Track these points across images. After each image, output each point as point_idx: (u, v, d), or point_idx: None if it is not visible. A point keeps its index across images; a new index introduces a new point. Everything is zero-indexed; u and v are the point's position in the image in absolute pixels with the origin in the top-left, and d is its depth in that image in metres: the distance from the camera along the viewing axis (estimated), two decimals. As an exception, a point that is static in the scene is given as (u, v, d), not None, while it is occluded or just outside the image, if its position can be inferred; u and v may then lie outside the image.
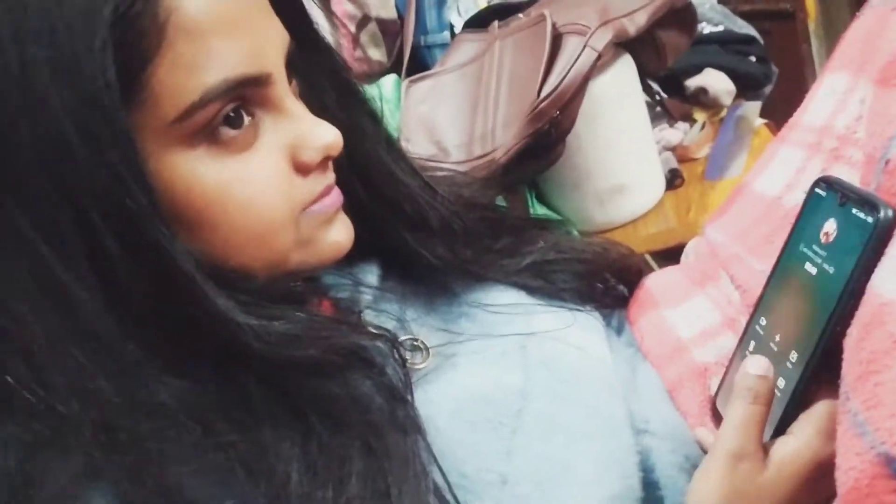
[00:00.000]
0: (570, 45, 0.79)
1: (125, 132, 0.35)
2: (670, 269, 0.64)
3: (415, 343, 0.47)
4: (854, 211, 0.39)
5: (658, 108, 1.12)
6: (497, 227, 0.56)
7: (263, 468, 0.35)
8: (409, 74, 1.11)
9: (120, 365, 0.35)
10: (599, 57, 0.78)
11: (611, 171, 0.93)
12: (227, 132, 0.39)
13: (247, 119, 0.40)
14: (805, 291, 0.41)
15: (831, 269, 0.39)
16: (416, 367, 0.46)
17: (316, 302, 0.45)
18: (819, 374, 0.39)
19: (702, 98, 1.17)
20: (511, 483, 0.40)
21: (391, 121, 1.05)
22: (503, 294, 0.53)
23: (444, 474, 0.38)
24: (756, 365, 0.41)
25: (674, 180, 1.03)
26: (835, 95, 0.52)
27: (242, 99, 0.39)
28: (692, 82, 1.17)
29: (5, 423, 0.35)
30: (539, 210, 0.96)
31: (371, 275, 0.51)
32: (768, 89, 1.24)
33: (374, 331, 0.43)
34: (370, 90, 1.11)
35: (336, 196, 0.45)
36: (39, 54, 0.34)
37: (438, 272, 0.51)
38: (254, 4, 0.40)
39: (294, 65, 0.44)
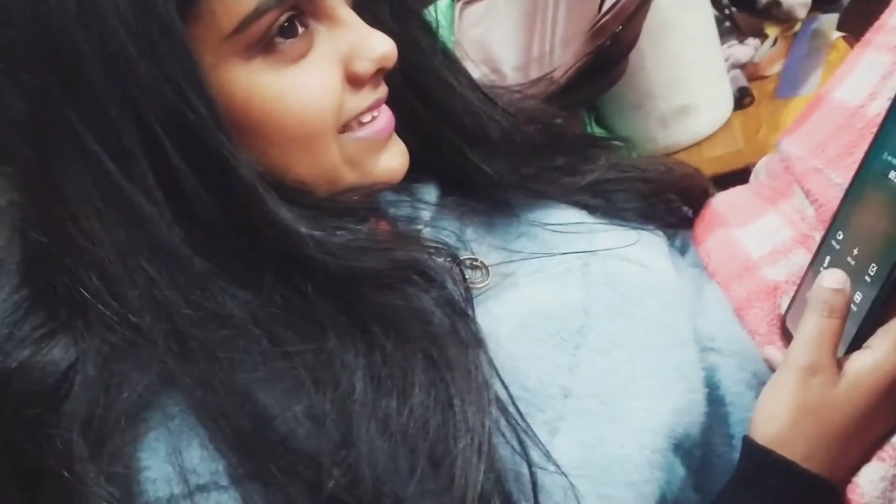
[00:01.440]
0: (634, -46, 0.75)
1: (184, 44, 0.35)
2: (739, 189, 0.62)
3: (474, 262, 0.47)
4: None
5: (727, 24, 1.06)
6: (558, 143, 0.55)
7: (329, 377, 0.36)
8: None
9: (188, 277, 0.36)
10: (665, -34, 0.74)
11: (675, 90, 0.90)
12: (282, 42, 0.39)
13: (301, 29, 0.39)
14: (888, 202, 0.39)
15: None
16: (476, 285, 0.46)
17: (373, 221, 0.45)
18: None
19: (774, 11, 1.09)
20: (573, 396, 0.40)
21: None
22: (564, 213, 0.52)
23: (505, 386, 0.38)
24: (832, 278, 0.39)
25: (742, 99, 0.98)
26: (929, -9, 0.48)
27: (296, 9, 0.39)
28: (765, -6, 1.10)
29: (84, 335, 0.36)
30: (598, 132, 0.94)
31: (429, 194, 0.50)
32: (846, 1, 1.16)
33: (434, 246, 0.43)
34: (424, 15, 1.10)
35: (386, 121, 0.44)
36: None
37: (498, 190, 0.50)
38: None
39: None
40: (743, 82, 1.01)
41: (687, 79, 0.90)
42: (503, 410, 0.37)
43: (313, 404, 0.35)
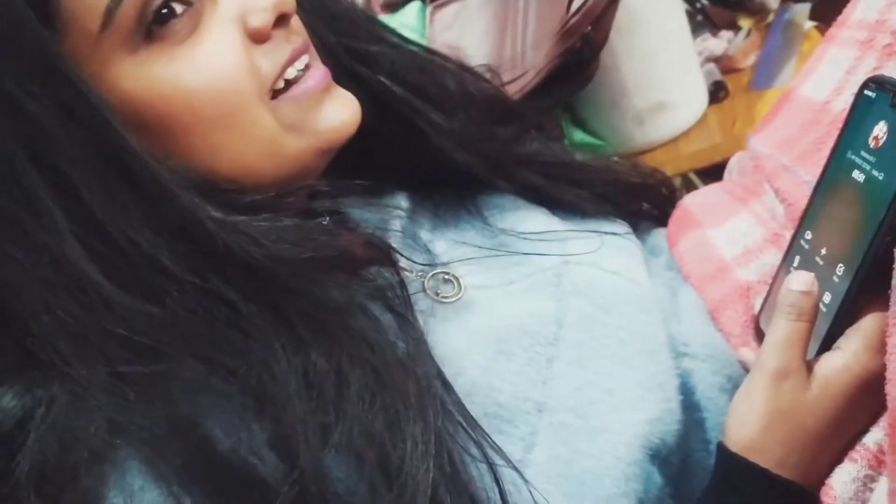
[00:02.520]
0: (600, -46, 0.75)
1: (59, 61, 0.34)
2: (711, 188, 0.62)
3: (446, 275, 0.46)
4: None
5: (699, 17, 1.05)
6: (506, 111, 0.54)
7: (264, 394, 0.35)
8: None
9: (112, 313, 0.35)
10: (631, -36, 0.73)
11: (650, 87, 0.89)
12: (162, 27, 0.37)
13: (180, 7, 0.37)
14: (853, 200, 0.39)
15: (881, 176, 0.37)
16: (448, 299, 0.45)
17: (345, 236, 0.44)
18: (867, 287, 0.37)
19: (747, 3, 1.09)
20: (548, 410, 0.40)
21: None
22: (536, 221, 0.52)
23: (447, 385, 0.37)
24: (799, 281, 0.39)
25: (717, 93, 0.98)
26: (889, -14, 0.47)
27: None
28: (737, -14, 1.10)
29: (35, 386, 0.35)
30: (575, 133, 0.93)
31: (400, 204, 0.49)
32: (820, -12, 1.16)
33: (370, 239, 0.42)
34: (391, 20, 1.09)
35: (320, 74, 0.42)
36: None
37: (455, 151, 0.49)
38: None
39: None
40: (717, 76, 1.00)
41: (661, 76, 0.89)
42: (470, 426, 0.37)
43: (251, 421, 0.34)
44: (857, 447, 0.37)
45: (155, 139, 0.37)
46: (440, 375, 0.38)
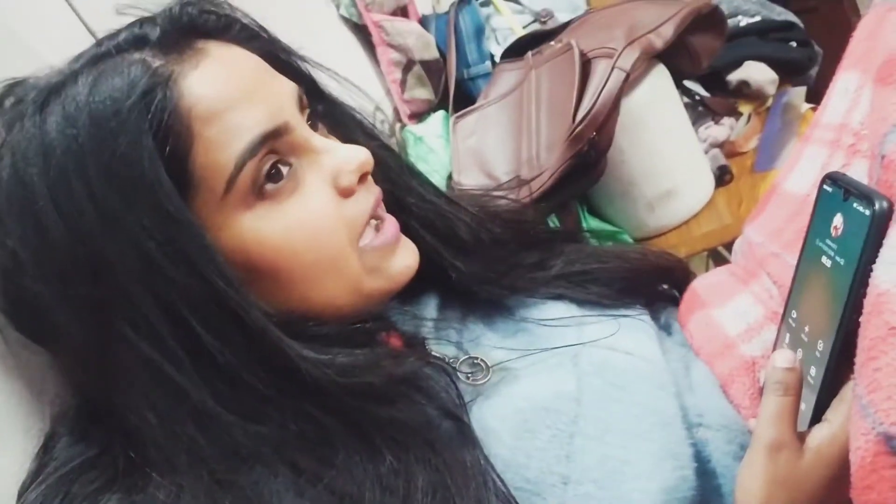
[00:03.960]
0: (600, 69, 0.83)
1: (192, 226, 0.41)
2: (717, 271, 0.67)
3: (475, 361, 0.52)
4: (855, 205, 0.41)
5: (700, 108, 1.13)
6: (525, 240, 0.61)
7: (343, 492, 0.40)
8: (456, 107, 1.16)
9: (221, 431, 0.41)
10: (628, 76, 0.82)
11: (657, 177, 0.96)
12: (273, 186, 0.45)
13: (285, 169, 0.46)
14: (824, 283, 0.43)
15: (842, 262, 0.41)
16: (479, 383, 0.51)
17: (384, 336, 0.51)
18: (844, 360, 0.41)
19: (745, 91, 1.17)
20: (573, 483, 0.44)
21: (443, 155, 1.12)
22: (554, 308, 0.57)
23: (501, 479, 0.43)
24: (783, 358, 0.43)
25: (723, 177, 1.04)
26: (848, 94, 0.54)
27: (274, 152, 0.45)
28: (734, 76, 1.18)
29: (135, 492, 0.40)
30: (591, 222, 1.00)
31: (430, 306, 0.57)
32: (814, 72, 1.23)
33: (429, 359, 0.48)
34: (418, 128, 1.19)
35: (391, 225, 0.50)
36: (106, 189, 0.40)
37: (476, 285, 0.56)
38: (255, 72, 0.47)
39: (315, 110, 0.51)
40: (722, 160, 1.07)
41: (666, 166, 0.96)
42: (505, 501, 0.42)
43: None
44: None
45: (260, 280, 0.45)
46: (493, 470, 0.43)
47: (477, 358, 0.53)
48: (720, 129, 1.12)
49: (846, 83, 0.55)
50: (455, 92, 1.22)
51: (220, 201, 0.44)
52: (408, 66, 1.24)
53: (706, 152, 1.08)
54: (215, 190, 0.44)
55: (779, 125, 1.12)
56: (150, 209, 0.41)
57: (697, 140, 1.05)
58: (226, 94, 0.44)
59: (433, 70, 1.27)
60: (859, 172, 0.50)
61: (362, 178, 0.49)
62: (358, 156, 0.48)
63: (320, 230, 0.46)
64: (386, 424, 0.43)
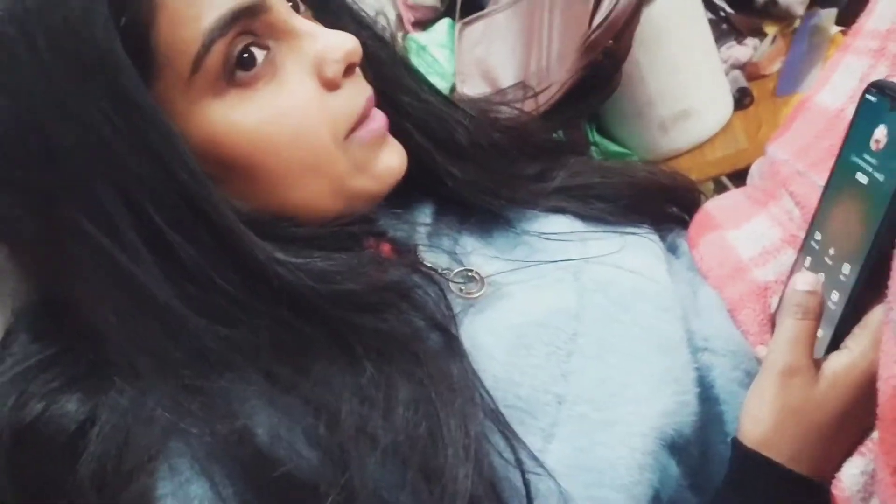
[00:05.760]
0: (621, -30, 0.77)
1: (154, 110, 0.37)
2: (732, 192, 0.64)
3: (469, 273, 0.49)
4: None
5: (724, 25, 1.07)
6: (527, 149, 0.56)
7: (319, 402, 0.38)
8: (463, 14, 1.10)
9: (186, 333, 0.38)
10: (651, -21, 0.76)
11: (674, 96, 0.91)
12: (246, 72, 0.40)
13: (260, 54, 0.41)
14: (856, 202, 0.41)
15: (881, 177, 0.39)
16: (472, 295, 0.48)
17: (374, 242, 0.48)
18: (872, 285, 0.39)
19: (772, 10, 1.10)
20: (567, 403, 0.42)
21: (447, 66, 1.06)
22: (557, 222, 0.54)
23: (489, 394, 0.40)
24: (804, 280, 0.41)
25: (742, 100, 0.99)
26: (898, -4, 0.49)
27: (249, 32, 0.40)
28: (761, -6, 1.11)
29: (97, 391, 0.38)
30: (601, 142, 0.96)
31: (424, 214, 0.53)
32: (847, -7, 1.16)
33: (419, 267, 0.45)
34: (422, 37, 1.13)
35: (379, 119, 0.46)
36: (55, 60, 0.36)
37: (471, 194, 0.52)
38: None
39: None
40: (742, 83, 1.02)
41: (684, 85, 0.91)
42: (494, 419, 0.39)
43: (306, 430, 0.37)
44: (867, 442, 0.39)
45: (233, 177, 0.41)
46: (481, 385, 0.41)
47: (471, 270, 0.50)
48: (743, 50, 1.06)
49: (898, -17, 0.49)
50: (464, -1, 1.15)
51: (186, 85, 0.39)
52: (414, -31, 1.16)
53: (726, 73, 1.03)
54: (180, 71, 0.39)
55: (805, 48, 1.07)
56: (106, 88, 0.36)
57: (719, 60, 1.00)
58: None
59: (441, -26, 1.20)
60: (907, 85, 0.45)
61: (349, 71, 0.44)
62: (344, 43, 0.43)
63: (300, 125, 0.42)
64: (368, 334, 0.40)
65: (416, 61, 1.10)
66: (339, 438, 0.37)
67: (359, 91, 0.45)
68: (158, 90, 0.39)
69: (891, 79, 0.47)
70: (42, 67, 0.36)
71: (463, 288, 0.48)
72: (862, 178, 0.40)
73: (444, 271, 0.49)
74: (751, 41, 1.08)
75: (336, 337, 0.40)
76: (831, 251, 0.42)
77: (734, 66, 1.06)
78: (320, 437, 0.38)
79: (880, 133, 0.39)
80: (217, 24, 0.39)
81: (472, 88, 0.92)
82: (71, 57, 0.36)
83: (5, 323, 0.44)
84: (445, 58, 1.07)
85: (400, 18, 1.18)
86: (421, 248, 0.49)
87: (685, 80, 0.91)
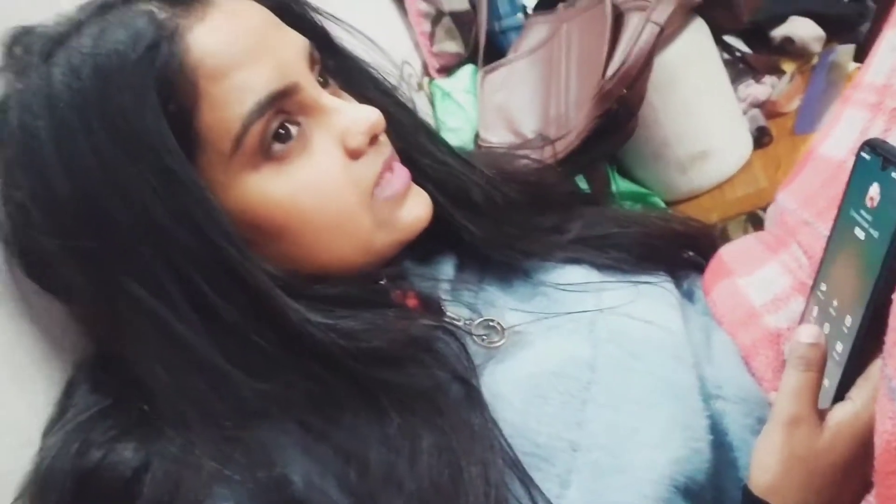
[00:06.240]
0: (633, 23, 0.80)
1: (197, 186, 0.41)
2: (745, 238, 0.65)
3: (490, 324, 0.52)
4: (893, 175, 0.39)
5: (741, 65, 1.09)
6: (542, 203, 0.59)
7: (349, 451, 0.41)
8: (486, 61, 1.13)
9: (229, 387, 0.41)
10: (662, 31, 0.78)
11: (691, 138, 0.93)
12: (281, 146, 0.44)
13: (294, 129, 0.45)
14: (855, 256, 0.41)
15: (876, 234, 0.39)
16: (494, 345, 0.50)
17: (400, 295, 0.51)
18: (872, 338, 0.40)
19: (789, 47, 1.12)
20: (582, 450, 0.44)
21: (471, 111, 1.09)
22: (573, 273, 0.56)
23: (507, 443, 0.42)
24: (807, 333, 0.42)
25: (762, 138, 1.00)
26: (893, 53, 0.51)
27: (283, 112, 0.45)
28: (777, 32, 1.12)
29: (150, 440, 0.42)
30: (622, 184, 0.97)
31: (447, 267, 0.56)
32: (864, 28, 1.17)
33: (441, 322, 0.48)
34: (446, 83, 1.16)
35: (402, 174, 0.49)
36: (109, 143, 0.40)
37: (489, 249, 0.55)
38: (263, 28, 0.45)
39: (327, 66, 0.49)
40: (761, 121, 1.03)
41: (700, 127, 0.93)
42: (513, 467, 0.42)
43: (338, 477, 0.40)
44: (872, 490, 0.40)
45: (268, 240, 0.45)
46: (500, 434, 0.43)
47: (492, 320, 0.52)
48: (761, 88, 1.08)
49: (892, 41, 0.51)
50: (486, 45, 1.19)
51: (226, 161, 0.43)
52: (437, 18, 1.21)
53: (745, 112, 1.04)
54: (221, 150, 0.43)
55: (823, 85, 1.07)
56: (154, 167, 0.40)
57: (736, 100, 1.01)
58: (233, 51, 0.43)
59: (464, 22, 1.23)
60: (903, 139, 0.47)
61: (373, 140, 0.48)
62: (369, 117, 0.47)
63: (327, 192, 0.46)
64: (393, 387, 0.43)
65: (441, 107, 1.15)
66: (369, 485, 0.40)
67: (380, 153, 0.49)
68: (202, 165, 0.43)
69: (888, 133, 0.49)
70: (98, 149, 0.40)
71: (485, 338, 0.51)
72: (860, 234, 0.41)
73: (467, 322, 0.52)
74: (769, 79, 1.09)
75: (362, 390, 0.43)
76: (835, 303, 0.43)
77: (753, 105, 1.07)
78: (351, 484, 0.40)
79: (874, 191, 0.40)
80: (255, 107, 0.43)
81: (495, 135, 0.95)
82: (123, 140, 0.40)
83: (66, 376, 0.48)
84: (469, 103, 1.10)
85: (425, 65, 1.23)
86: (444, 300, 0.52)
87: (701, 121, 0.92)
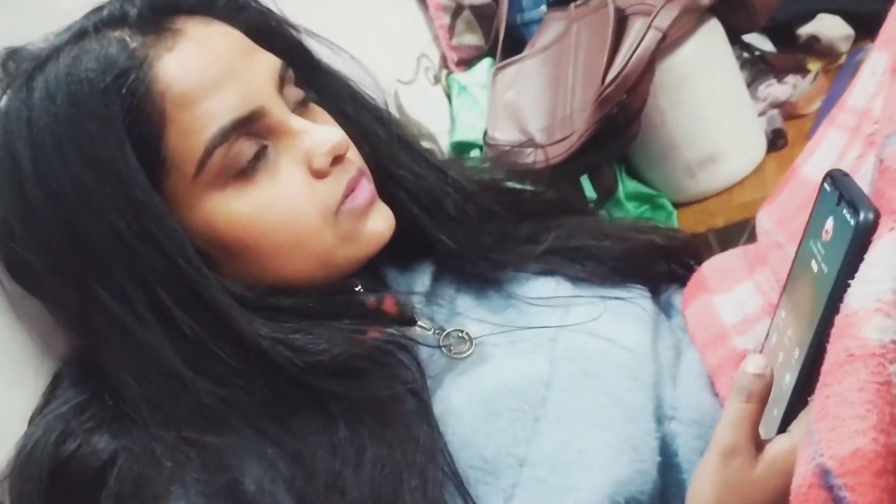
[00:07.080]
0: (635, 27, 0.79)
1: (161, 212, 0.44)
2: (729, 253, 0.64)
3: (460, 334, 0.53)
4: (844, 211, 0.38)
5: (762, 64, 1.06)
6: (518, 212, 0.60)
7: (299, 455, 0.43)
8: (508, 54, 1.12)
9: (190, 395, 0.44)
10: (665, 37, 0.77)
11: (699, 141, 0.91)
12: (245, 167, 0.47)
13: (257, 151, 0.47)
14: (810, 288, 0.41)
15: (826, 269, 0.39)
16: (461, 356, 0.52)
17: (376, 301, 0.53)
18: (817, 375, 0.39)
19: (815, 46, 1.08)
20: (528, 465, 0.45)
21: (486, 107, 1.09)
22: (545, 285, 0.57)
23: (451, 457, 0.44)
24: (753, 364, 0.42)
25: (776, 141, 0.97)
26: (875, 76, 0.50)
27: (248, 135, 0.47)
28: (804, 30, 1.09)
29: (120, 434, 0.45)
30: (629, 185, 0.97)
31: (426, 275, 0.57)
32: None
33: (387, 337, 0.49)
34: (463, 77, 1.17)
35: (366, 190, 0.51)
36: (80, 167, 0.43)
37: (460, 259, 0.56)
38: (231, 55, 0.47)
39: (302, 78, 0.51)
40: (778, 123, 1.00)
41: (710, 130, 0.91)
42: (454, 481, 0.43)
43: (287, 482, 0.43)
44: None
45: (232, 256, 0.47)
46: (445, 448, 0.45)
47: (462, 331, 0.54)
48: (782, 88, 1.04)
49: (875, 64, 0.50)
50: (508, 37, 1.18)
51: (191, 182, 0.46)
52: (457, 11, 1.21)
53: (763, 112, 1.01)
54: (186, 172, 0.46)
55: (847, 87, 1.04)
56: (120, 191, 0.44)
57: (750, 102, 0.99)
58: (200, 79, 0.45)
59: (484, 14, 1.23)
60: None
61: (337, 160, 0.50)
62: (331, 138, 0.49)
63: (289, 211, 0.48)
64: (341, 397, 0.45)
65: (457, 101, 1.16)
66: (314, 490, 0.42)
67: (345, 172, 0.50)
68: (169, 186, 0.46)
69: (862, 159, 0.48)
70: (70, 172, 0.44)
71: (453, 348, 0.52)
72: (814, 266, 0.40)
73: (437, 332, 0.53)
74: (791, 79, 1.06)
75: (314, 399, 0.45)
76: (789, 332, 0.43)
77: (772, 105, 1.03)
78: (298, 489, 0.43)
79: (829, 224, 0.40)
80: (219, 133, 0.45)
81: (503, 133, 0.96)
82: (91, 165, 0.43)
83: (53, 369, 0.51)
84: (486, 98, 1.10)
85: (444, 58, 1.23)
86: (417, 309, 0.54)
87: (710, 124, 0.91)
